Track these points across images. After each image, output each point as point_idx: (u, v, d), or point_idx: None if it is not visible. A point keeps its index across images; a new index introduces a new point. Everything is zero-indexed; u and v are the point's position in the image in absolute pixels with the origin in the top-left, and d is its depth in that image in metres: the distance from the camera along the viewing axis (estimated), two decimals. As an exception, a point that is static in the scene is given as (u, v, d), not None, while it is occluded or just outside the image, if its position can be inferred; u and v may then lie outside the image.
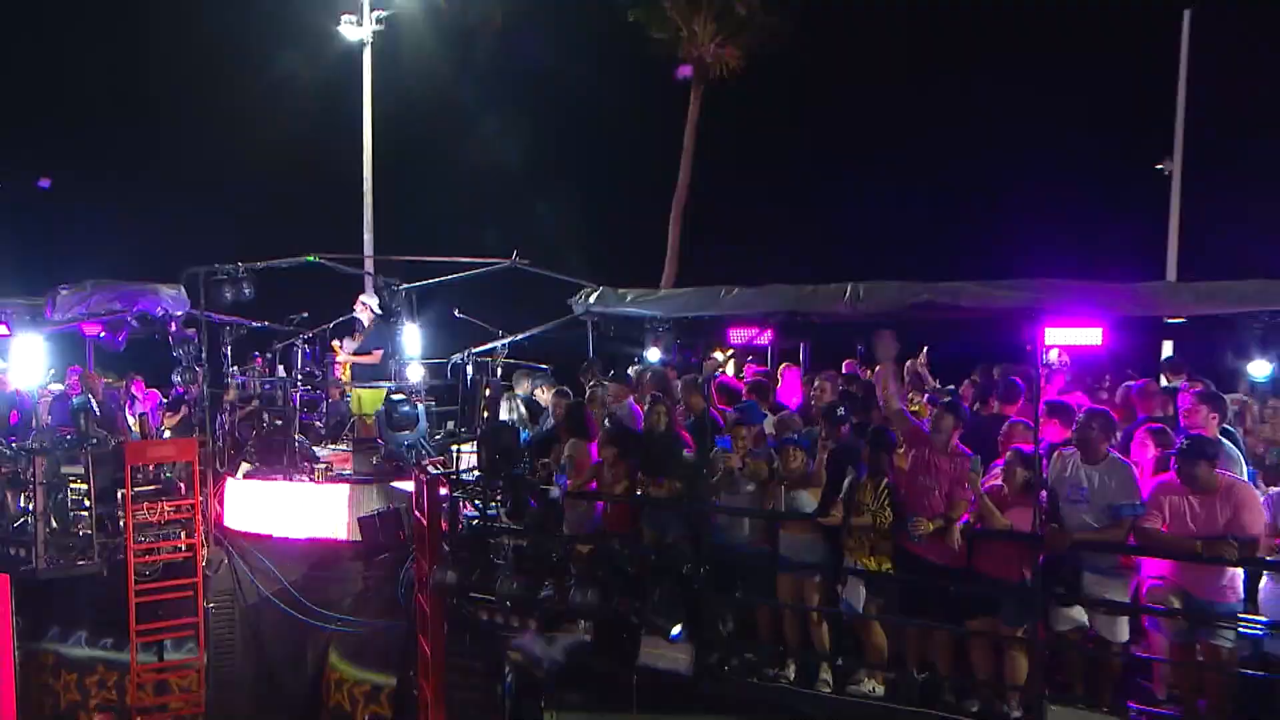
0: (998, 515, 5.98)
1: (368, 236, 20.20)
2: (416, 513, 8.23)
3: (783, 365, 11.03)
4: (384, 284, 12.07)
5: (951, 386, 9.43)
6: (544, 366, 12.28)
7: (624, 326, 10.26)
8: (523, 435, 8.20)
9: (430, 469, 7.96)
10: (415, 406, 8.61)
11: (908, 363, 10.30)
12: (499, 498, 7.18)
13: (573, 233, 24.27)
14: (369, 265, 15.72)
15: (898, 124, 23.42)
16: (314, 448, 11.41)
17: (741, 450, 6.84)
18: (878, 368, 6.84)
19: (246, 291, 10.94)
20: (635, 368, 10.06)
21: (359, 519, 8.61)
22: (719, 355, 12.36)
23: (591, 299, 10.02)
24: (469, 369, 8.21)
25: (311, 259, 12.12)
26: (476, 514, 7.56)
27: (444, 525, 7.85)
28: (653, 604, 6.50)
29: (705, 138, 22.90)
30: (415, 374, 11.65)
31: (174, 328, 11.80)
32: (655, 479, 7.08)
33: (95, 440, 9.81)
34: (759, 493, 6.85)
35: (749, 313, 9.30)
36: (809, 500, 6.63)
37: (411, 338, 12.28)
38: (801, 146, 24.74)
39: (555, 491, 7.11)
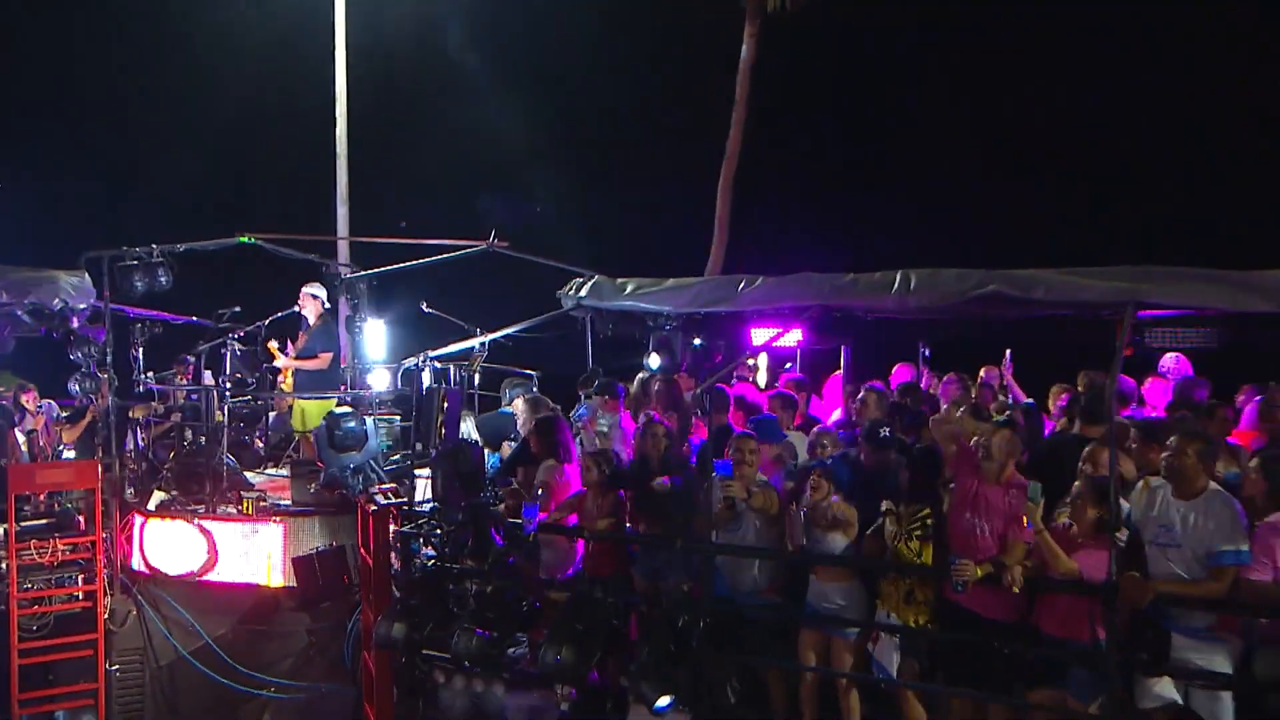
0: (1063, 559, 6.09)
1: (341, 211, 19.61)
2: (362, 551, 8.49)
3: (834, 373, 11.21)
4: (333, 271, 12.41)
5: (1030, 401, 9.55)
6: (529, 372, 12.56)
7: (624, 325, 10.47)
8: (493, 458, 8.42)
9: (378, 498, 8.20)
10: (363, 422, 8.87)
11: (982, 371, 10.44)
12: (456, 533, 7.39)
13: (592, 208, 24.72)
14: (348, 251, 16.08)
15: (988, 76, 23.53)
16: (247, 473, 11.75)
17: (747, 477, 7.01)
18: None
19: (162, 279, 11.25)
20: (642, 375, 10.28)
21: (293, 559, 8.88)
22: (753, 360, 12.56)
23: (583, 291, 10.23)
24: (424, 376, 8.44)
25: (245, 240, 12.46)
26: (434, 553, 7.79)
27: (395, 566, 8.09)
28: (639, 665, 6.67)
29: (764, 87, 22.80)
30: (380, 381, 11.93)
31: (76, 324, 12.20)
32: (649, 513, 7.27)
33: (-33, 464, 10.18)
34: (768, 529, 7.00)
35: (774, 307, 9.45)
36: (841, 541, 6.78)
37: (375, 337, 12.58)
38: (883, 103, 24.92)
39: (528, 525, 7.31)
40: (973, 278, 8.62)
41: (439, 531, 7.51)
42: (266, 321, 11.74)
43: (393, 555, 8.03)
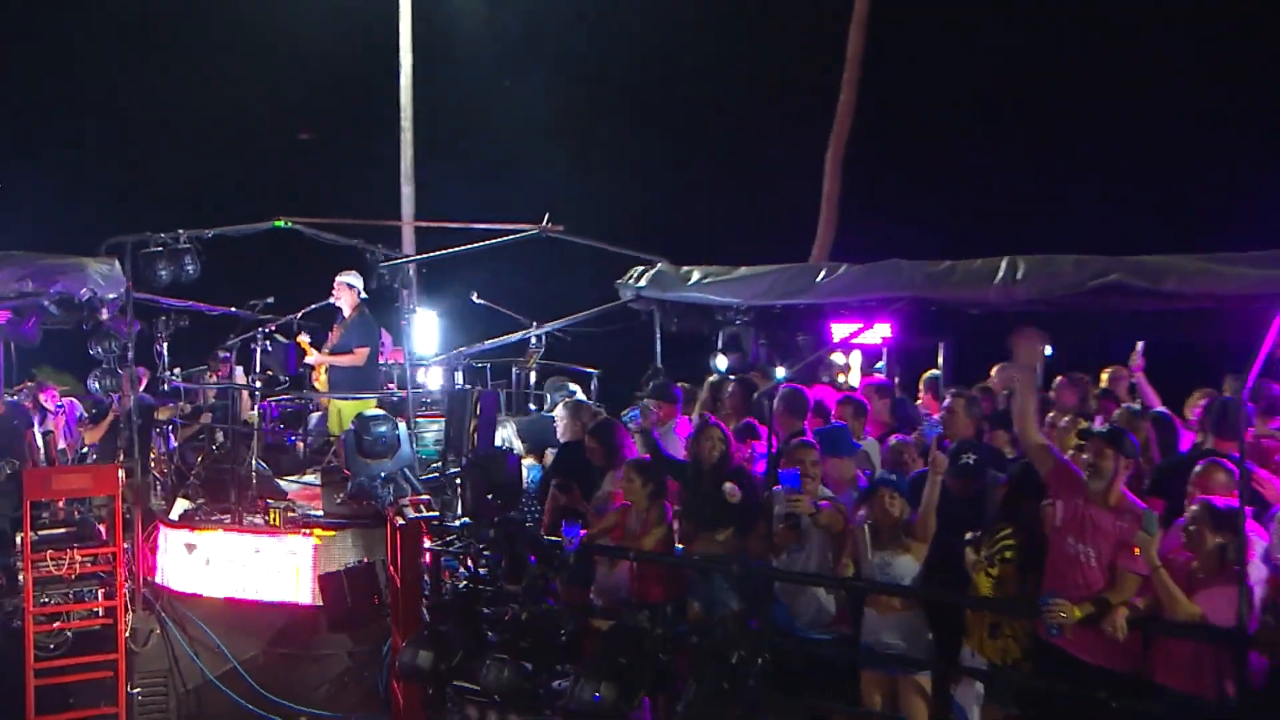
0: (1183, 602, 5.80)
1: (406, 190, 19.72)
2: (391, 569, 8.57)
3: (927, 374, 10.96)
4: (371, 255, 12.57)
5: (1164, 410, 9.19)
6: (590, 370, 12.59)
7: (690, 319, 10.40)
8: (534, 469, 8.42)
9: (408, 511, 8.27)
10: (395, 427, 8.94)
11: (1106, 374, 10.08)
12: (488, 551, 7.40)
13: (674, 186, 24.62)
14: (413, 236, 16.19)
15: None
16: (280, 480, 11.97)
17: (809, 491, 6.87)
18: (995, 371, 6.78)
19: (189, 268, 11.54)
20: (712, 378, 10.19)
21: (319, 577, 9.01)
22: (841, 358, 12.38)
23: (643, 280, 10.20)
24: (458, 375, 8.47)
25: (281, 224, 12.73)
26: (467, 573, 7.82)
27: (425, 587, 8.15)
28: (687, 705, 6.59)
29: (881, 47, 22.18)
30: (433, 379, 12.06)
31: (106, 315, 12.60)
32: (705, 529, 7.19)
33: (-17, 468, 10.57)
34: (834, 552, 6.86)
35: (858, 299, 9.31)
36: (910, 566, 6.61)
37: (426, 330, 12.76)
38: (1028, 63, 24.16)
39: (568, 544, 7.28)
40: (1092, 265, 8.40)
41: (470, 549, 7.50)
42: (299, 314, 11.93)
43: (420, 575, 8.06)
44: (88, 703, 10.98)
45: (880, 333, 9.31)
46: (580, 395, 9.92)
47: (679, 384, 10.97)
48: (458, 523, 7.73)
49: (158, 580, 11.34)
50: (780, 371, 9.89)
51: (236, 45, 24.93)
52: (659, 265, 10.38)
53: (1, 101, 25.24)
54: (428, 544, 8.07)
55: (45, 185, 22.52)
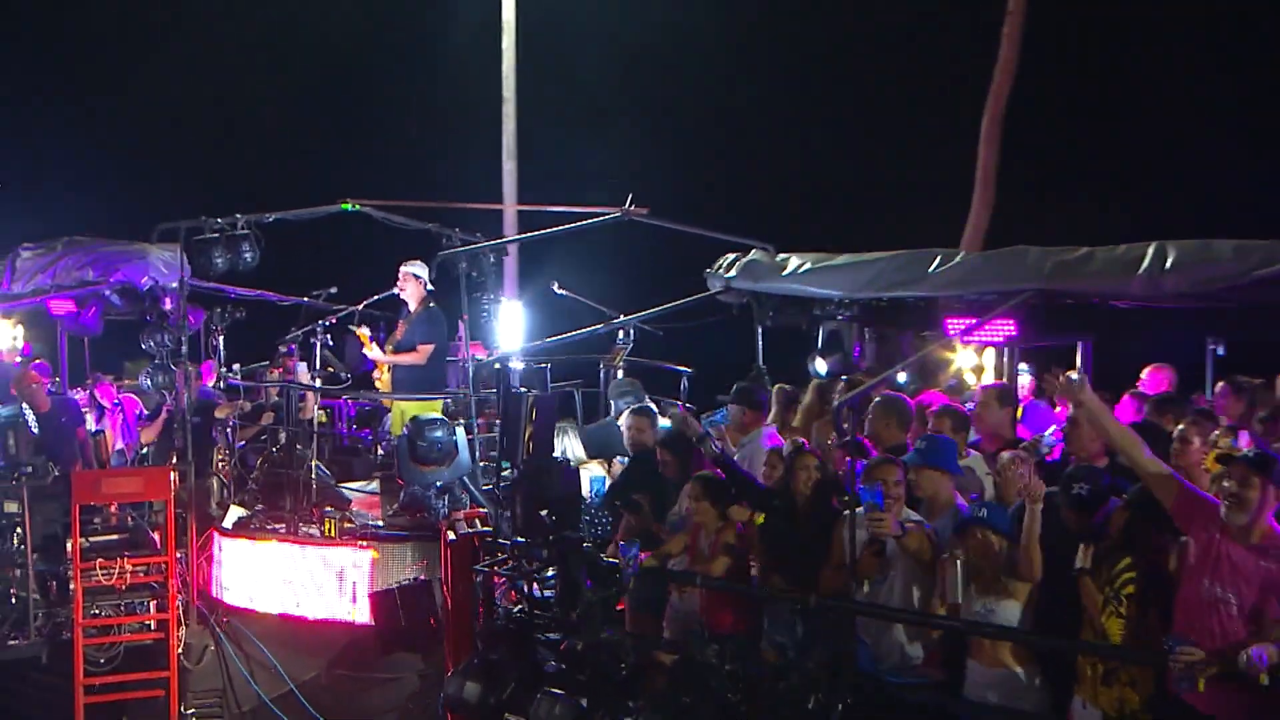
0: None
1: (508, 167, 19.49)
2: (444, 589, 8.71)
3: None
4: (448, 240, 12.76)
5: None
6: (684, 369, 12.58)
7: (788, 313, 10.31)
8: (597, 480, 8.45)
9: (460, 525, 8.38)
10: (452, 432, 9.05)
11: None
12: (539, 572, 7.47)
13: (798, 163, 24.36)
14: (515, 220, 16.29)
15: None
16: (348, 485, 12.25)
17: (895, 511, 6.74)
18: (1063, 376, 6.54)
19: (247, 255, 11.88)
20: (818, 381, 10.11)
21: (371, 594, 9.19)
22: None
23: (734, 269, 10.14)
24: (512, 375, 8.51)
25: (348, 206, 13.02)
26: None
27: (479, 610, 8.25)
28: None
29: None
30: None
31: (169, 305, 13.08)
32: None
33: (31, 468, 11.04)
34: (921, 584, 6.72)
35: (977, 292, 9.10)
36: (1013, 611, 6.44)
37: (512, 323, 12.90)
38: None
39: (627, 567, 7.29)
40: (1258, 253, 8.05)
41: (523, 570, 7.58)
42: (360, 305, 12.18)
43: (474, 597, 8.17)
44: (142, 721, 11.50)
45: (1002, 330, 9.03)
46: (646, 401, 9.82)
47: (783, 386, 10.89)
48: (509, 540, 7.79)
49: (213, 592, 11.74)
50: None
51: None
52: (753, 252, 10.29)
53: (50, 75, 26.48)
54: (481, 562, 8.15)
55: (94, 167, 23.51)
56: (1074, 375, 6.62)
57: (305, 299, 12.68)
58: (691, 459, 8.11)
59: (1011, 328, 8.97)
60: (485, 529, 8.39)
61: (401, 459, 9.52)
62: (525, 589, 7.76)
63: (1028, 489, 6.43)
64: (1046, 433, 8.48)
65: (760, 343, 12.43)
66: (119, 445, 13.17)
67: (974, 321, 8.78)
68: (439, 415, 9.64)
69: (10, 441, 11.20)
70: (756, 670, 7.07)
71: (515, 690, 7.54)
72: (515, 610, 7.90)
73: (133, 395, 13.40)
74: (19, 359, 14.32)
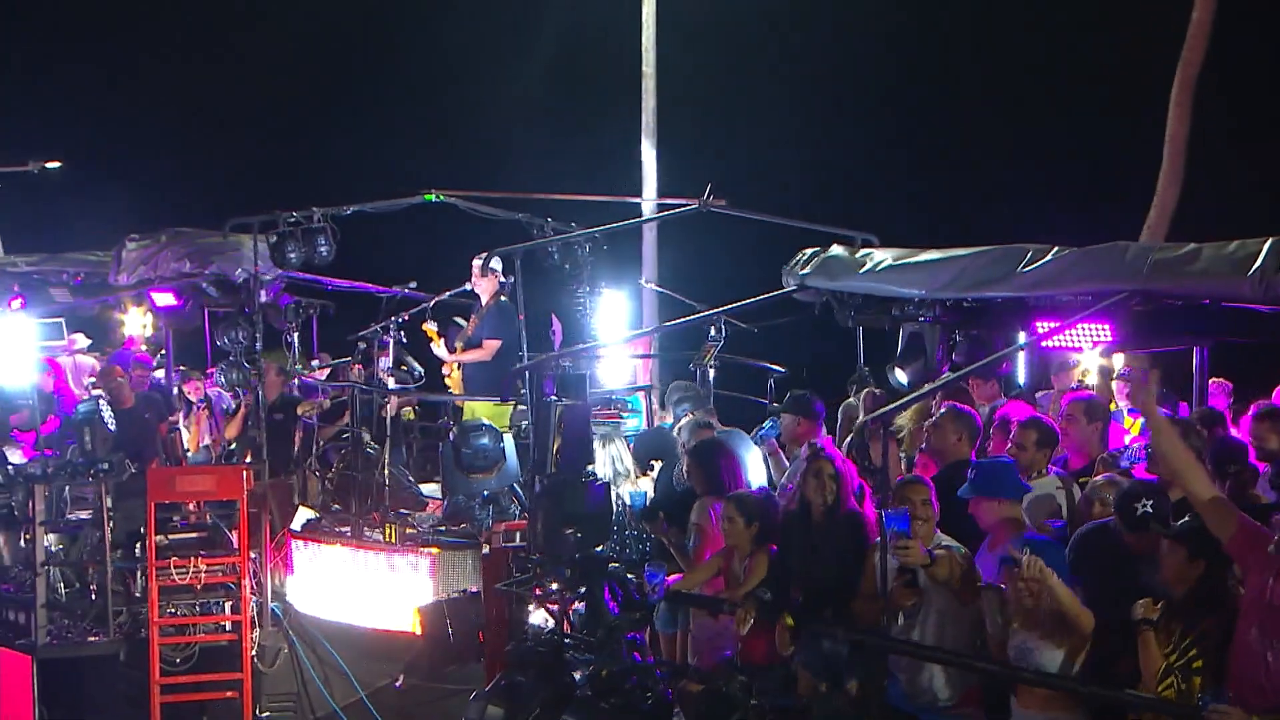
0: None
1: (648, 149, 19.12)
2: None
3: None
4: (540, 231, 12.73)
5: None
6: (778, 369, 12.29)
7: (869, 313, 9.95)
8: (637, 495, 8.28)
9: (499, 537, 8.31)
10: (500, 439, 8.97)
11: None
12: (562, 593, 7.35)
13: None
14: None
15: None
16: (423, 486, 12.30)
17: (923, 535, 6.42)
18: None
19: (322, 249, 12.03)
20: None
21: (419, 608, 9.19)
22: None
23: (809, 266, 9.83)
24: (553, 383, 8.33)
25: (431, 197, 13.08)
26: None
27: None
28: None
29: None
30: (618, 375, 12.12)
31: (265, 297, 13.34)
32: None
33: (108, 465, 11.37)
34: (956, 616, 6.42)
35: (1070, 292, 8.60)
36: (1056, 656, 6.04)
37: (615, 315, 12.83)
38: None
39: (653, 592, 7.12)
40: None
41: (547, 590, 7.47)
42: (432, 302, 12.20)
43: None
44: (219, 723, 11.78)
45: (1097, 335, 8.51)
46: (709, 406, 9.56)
47: (874, 390, 10.54)
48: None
49: (292, 598, 11.94)
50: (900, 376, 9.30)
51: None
52: (833, 247, 9.94)
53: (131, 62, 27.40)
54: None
55: (168, 160, 24.23)
56: (1142, 376, 6.24)
57: (385, 292, 12.74)
58: (716, 473, 7.85)
59: (1108, 332, 8.47)
60: (522, 544, 8.30)
61: (446, 466, 9.49)
62: (555, 609, 7.62)
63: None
64: (1130, 446, 8.03)
65: (860, 343, 12.11)
66: (205, 441, 13.50)
67: (1055, 324, 8.30)
68: (486, 420, 9.58)
69: (86, 438, 11.53)
70: (786, 703, 6.86)
71: (539, 716, 7.45)
72: (546, 631, 7.78)
73: (220, 390, 13.68)
74: (144, 347, 14.92)
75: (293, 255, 11.85)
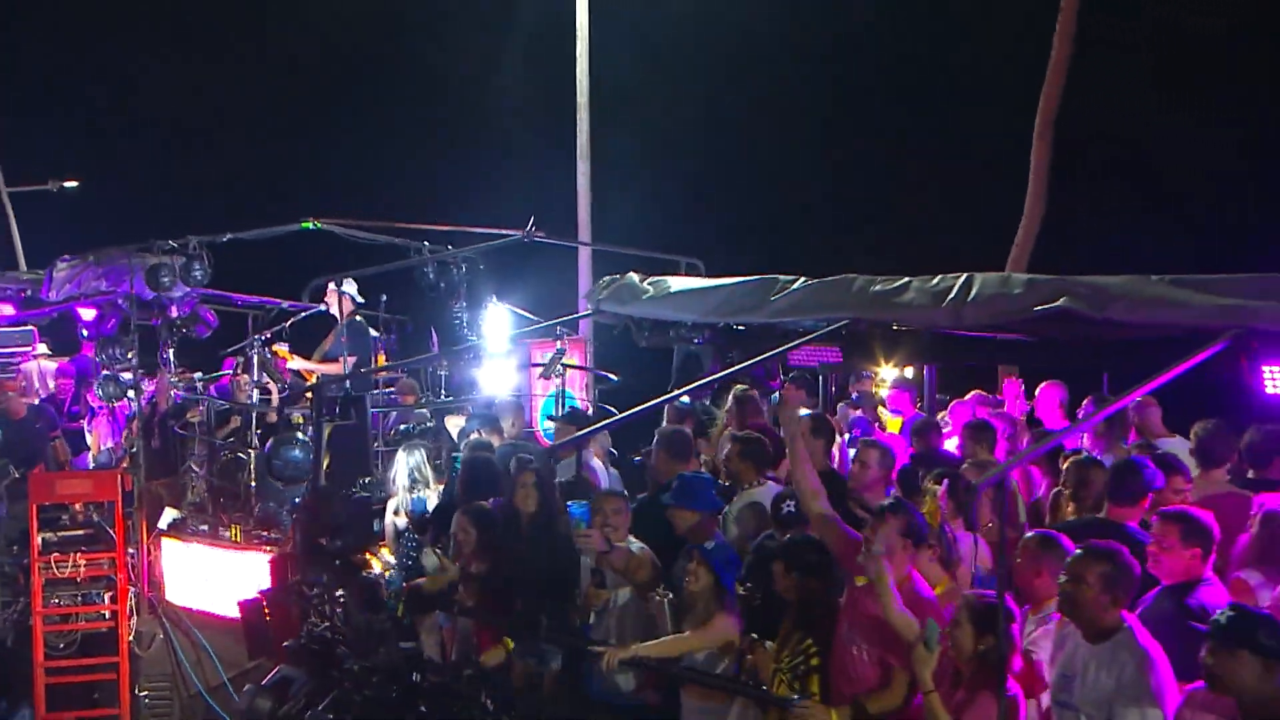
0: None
1: (581, 168, 18.98)
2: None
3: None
4: (418, 253, 13.00)
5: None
6: (613, 376, 12.56)
7: (658, 335, 10.19)
8: (419, 503, 8.49)
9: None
10: (309, 451, 9.19)
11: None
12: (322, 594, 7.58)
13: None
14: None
15: None
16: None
17: (610, 527, 6.68)
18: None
19: (198, 274, 12.28)
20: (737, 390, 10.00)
21: (239, 602, 9.41)
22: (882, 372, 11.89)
23: (605, 292, 10.07)
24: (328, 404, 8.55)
25: (308, 225, 13.32)
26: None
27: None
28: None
29: None
30: (498, 382, 12.39)
31: (175, 313, 13.58)
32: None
33: (-12, 469, 11.69)
34: (636, 609, 6.64)
35: (811, 318, 8.86)
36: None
37: (499, 327, 13.09)
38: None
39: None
40: (1044, 288, 7.72)
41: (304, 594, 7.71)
42: (288, 323, 12.46)
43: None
44: (98, 703, 12.03)
45: (825, 356, 8.80)
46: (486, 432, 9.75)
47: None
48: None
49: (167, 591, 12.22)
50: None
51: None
52: (628, 275, 10.18)
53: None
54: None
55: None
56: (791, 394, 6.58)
57: (250, 311, 13.02)
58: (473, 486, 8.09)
59: (835, 354, 8.75)
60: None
61: (260, 474, 9.72)
62: (327, 610, 7.86)
63: None
64: None
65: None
66: (108, 444, 13.73)
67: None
68: (300, 436, 9.82)
69: (-29, 443, 11.87)
70: (506, 695, 7.11)
71: (303, 707, 7.69)
72: (319, 628, 8.01)
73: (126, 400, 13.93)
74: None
75: (165, 280, 12.05)
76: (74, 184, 27.33)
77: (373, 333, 13.60)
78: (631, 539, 6.90)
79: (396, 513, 8.73)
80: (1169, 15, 20.56)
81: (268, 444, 10.06)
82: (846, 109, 25.47)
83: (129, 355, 12.35)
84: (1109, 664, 4.94)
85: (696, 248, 13.72)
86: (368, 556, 8.05)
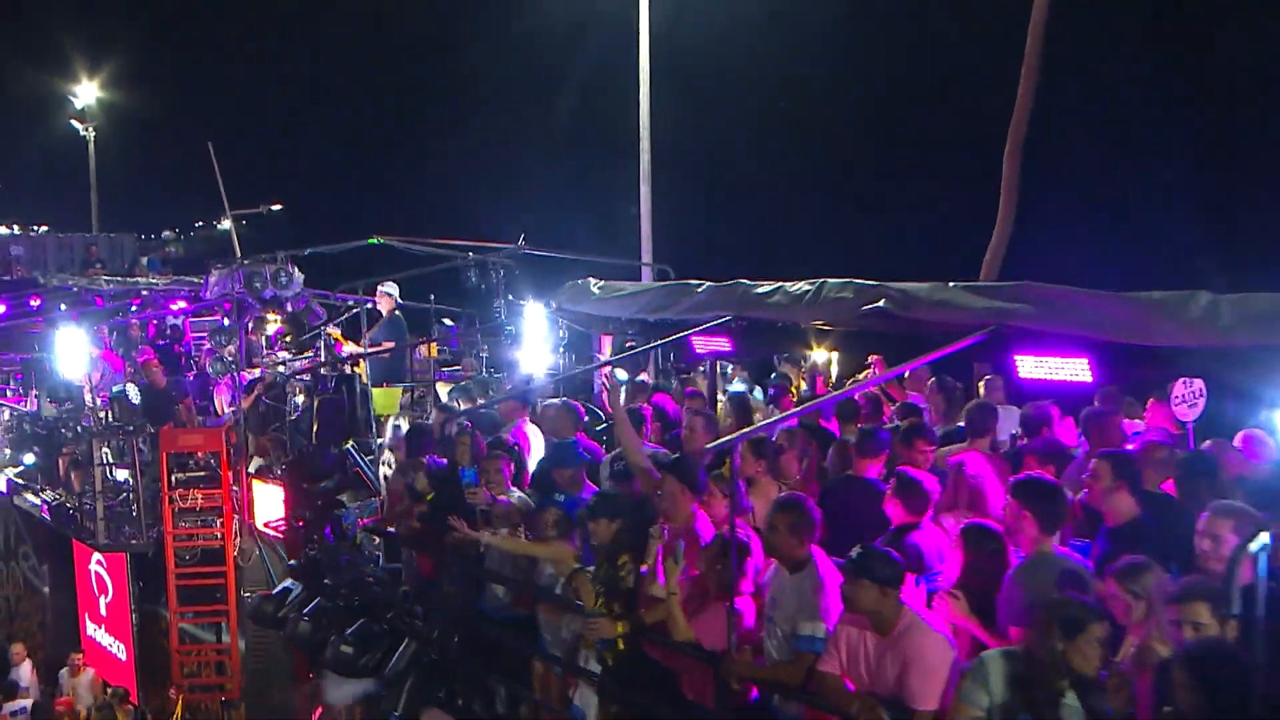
0: (680, 626, 5.40)
1: (644, 190, 17.86)
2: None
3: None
4: (464, 260, 13.28)
5: None
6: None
7: (599, 327, 10.36)
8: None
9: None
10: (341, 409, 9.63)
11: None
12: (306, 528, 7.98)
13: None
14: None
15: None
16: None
17: (492, 484, 6.90)
18: None
19: (282, 280, 12.82)
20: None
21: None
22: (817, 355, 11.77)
23: (563, 294, 10.25)
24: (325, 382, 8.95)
25: (374, 241, 13.75)
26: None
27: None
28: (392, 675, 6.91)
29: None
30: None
31: (291, 308, 14.19)
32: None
33: (132, 427, 12.44)
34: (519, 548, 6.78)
35: (710, 315, 8.93)
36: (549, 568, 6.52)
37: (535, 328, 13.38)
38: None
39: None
40: (869, 292, 7.70)
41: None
42: (344, 316, 12.92)
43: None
44: (215, 600, 12.94)
45: (719, 345, 8.86)
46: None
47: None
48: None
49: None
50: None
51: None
52: (586, 280, 10.35)
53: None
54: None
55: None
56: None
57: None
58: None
59: (726, 343, 8.82)
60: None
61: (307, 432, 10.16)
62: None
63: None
64: None
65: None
66: (230, 409, 14.42)
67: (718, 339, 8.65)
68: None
69: (115, 409, 12.63)
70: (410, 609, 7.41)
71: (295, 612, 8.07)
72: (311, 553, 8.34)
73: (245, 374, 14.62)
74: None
75: (258, 286, 12.59)
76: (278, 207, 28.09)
77: (447, 322, 14.02)
78: (513, 490, 7.10)
79: (386, 464, 9.09)
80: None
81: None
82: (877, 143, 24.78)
83: (231, 342, 12.90)
84: (796, 589, 5.07)
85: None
86: (341, 499, 8.37)
